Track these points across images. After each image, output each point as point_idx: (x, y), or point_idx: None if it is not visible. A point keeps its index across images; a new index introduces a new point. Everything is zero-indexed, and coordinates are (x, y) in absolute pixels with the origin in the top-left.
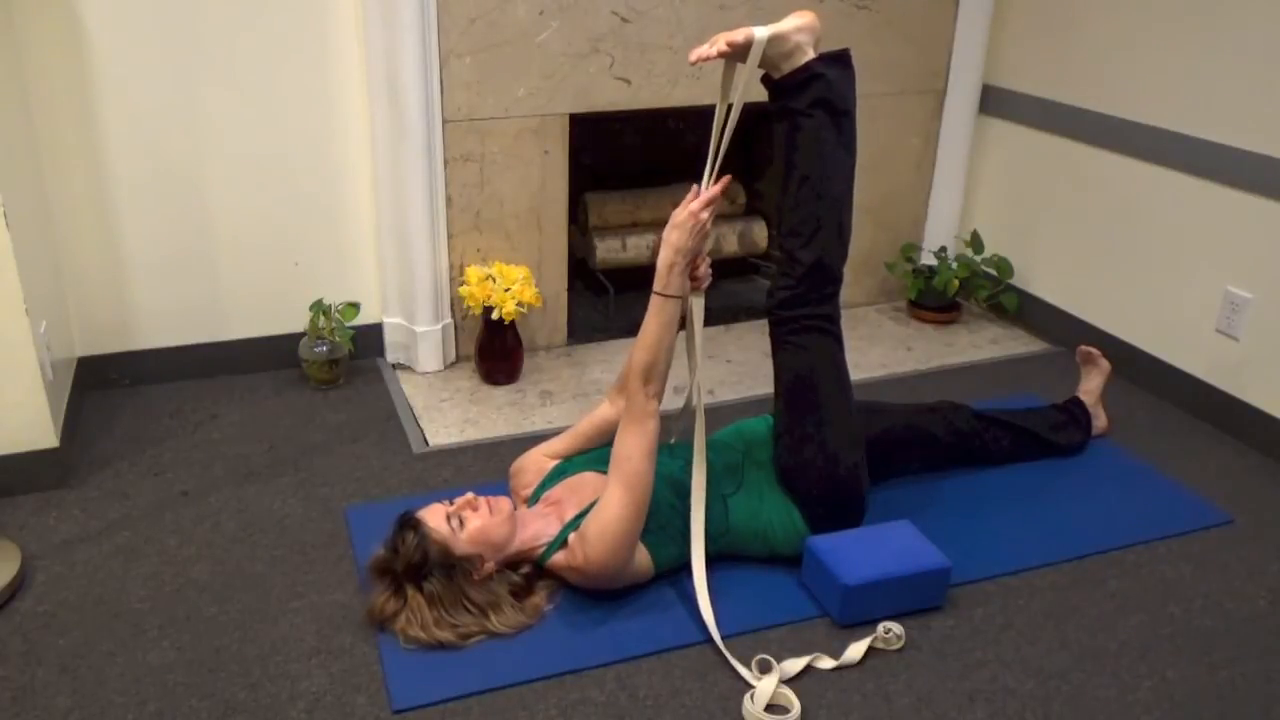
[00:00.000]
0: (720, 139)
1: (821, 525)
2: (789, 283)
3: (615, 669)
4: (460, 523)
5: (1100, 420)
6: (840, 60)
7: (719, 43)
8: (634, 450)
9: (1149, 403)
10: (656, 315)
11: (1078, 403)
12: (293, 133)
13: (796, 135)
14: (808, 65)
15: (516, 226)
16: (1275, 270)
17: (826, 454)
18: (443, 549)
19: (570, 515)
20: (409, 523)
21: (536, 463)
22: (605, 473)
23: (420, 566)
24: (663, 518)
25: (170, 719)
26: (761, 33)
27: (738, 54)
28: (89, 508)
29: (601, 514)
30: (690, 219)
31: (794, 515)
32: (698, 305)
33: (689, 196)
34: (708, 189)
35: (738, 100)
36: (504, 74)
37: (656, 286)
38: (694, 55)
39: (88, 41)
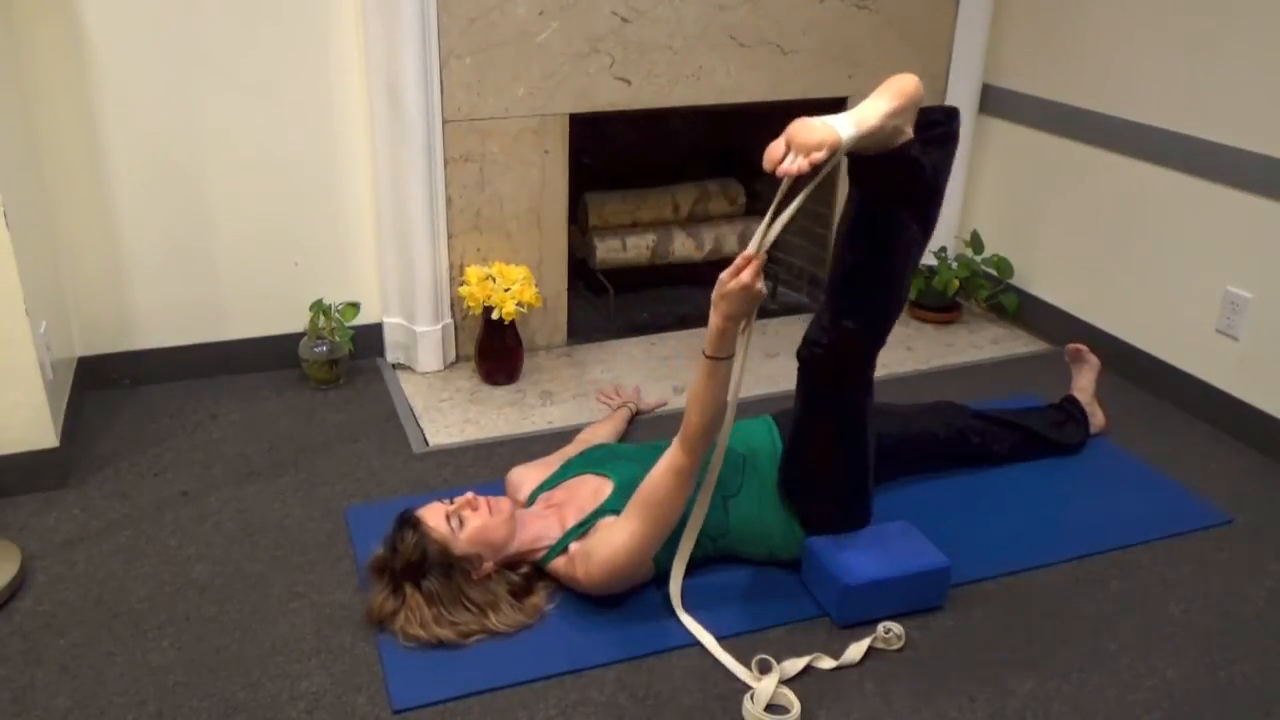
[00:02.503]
0: (777, 213)
1: (822, 534)
2: (829, 341)
3: (615, 669)
4: (460, 522)
5: (1097, 418)
6: (945, 139)
7: (798, 157)
8: (673, 499)
9: (1149, 403)
10: (711, 378)
11: (1073, 401)
12: (293, 132)
13: (872, 217)
14: (904, 150)
15: (516, 226)
16: (1275, 270)
17: (839, 492)
18: (442, 548)
19: (571, 521)
20: (408, 521)
21: (531, 482)
22: (604, 475)
23: (419, 565)
24: None
25: (170, 719)
26: (847, 132)
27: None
28: (89, 508)
29: (614, 541)
30: (742, 291)
31: (794, 522)
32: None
33: (738, 262)
34: (756, 251)
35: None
36: (504, 74)
37: (708, 351)
38: (781, 170)
39: (88, 41)
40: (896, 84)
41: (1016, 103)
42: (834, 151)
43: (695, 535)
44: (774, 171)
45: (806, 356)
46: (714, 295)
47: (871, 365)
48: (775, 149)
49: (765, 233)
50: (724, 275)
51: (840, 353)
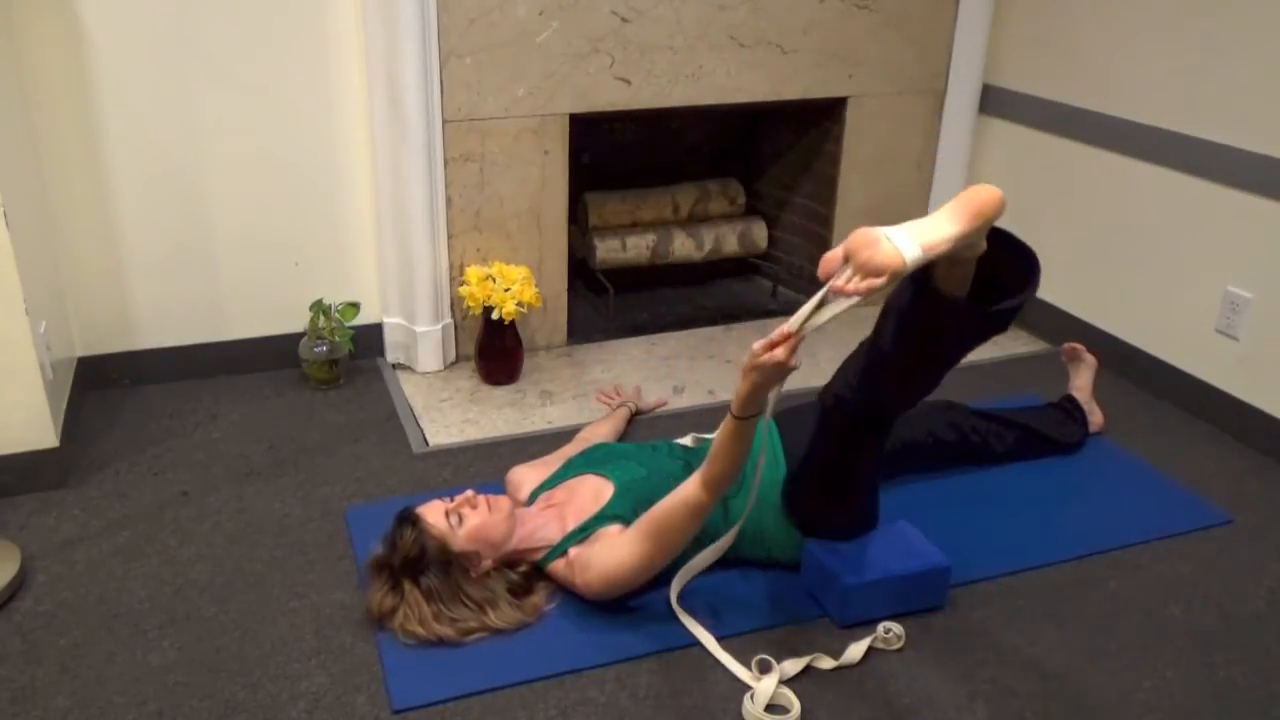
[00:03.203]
0: (825, 300)
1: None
2: (854, 401)
3: (615, 669)
4: (459, 519)
5: (1095, 416)
6: (1010, 310)
7: (854, 278)
8: (683, 531)
9: (1149, 403)
10: (736, 436)
11: (1071, 400)
12: (293, 132)
13: (924, 325)
14: (967, 306)
15: (516, 226)
16: (1275, 270)
17: (844, 517)
18: (440, 545)
19: (572, 523)
20: (407, 518)
21: (532, 481)
22: (604, 476)
23: (417, 562)
24: None
25: (170, 719)
26: (911, 254)
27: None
28: (89, 508)
29: (616, 556)
30: (776, 367)
31: (791, 527)
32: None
33: (775, 336)
34: (796, 329)
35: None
36: (504, 74)
37: (735, 412)
38: (836, 289)
39: (87, 41)
40: (975, 202)
41: (1016, 103)
42: (895, 278)
43: (712, 559)
44: (826, 281)
45: (831, 406)
46: (745, 364)
47: (894, 420)
48: (832, 261)
49: (811, 316)
50: (757, 347)
51: (863, 414)
